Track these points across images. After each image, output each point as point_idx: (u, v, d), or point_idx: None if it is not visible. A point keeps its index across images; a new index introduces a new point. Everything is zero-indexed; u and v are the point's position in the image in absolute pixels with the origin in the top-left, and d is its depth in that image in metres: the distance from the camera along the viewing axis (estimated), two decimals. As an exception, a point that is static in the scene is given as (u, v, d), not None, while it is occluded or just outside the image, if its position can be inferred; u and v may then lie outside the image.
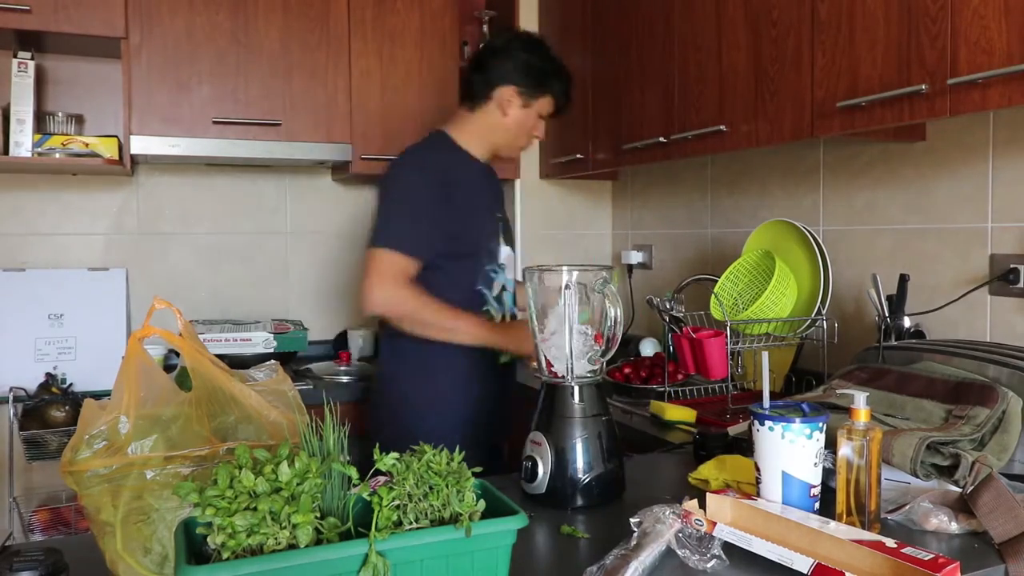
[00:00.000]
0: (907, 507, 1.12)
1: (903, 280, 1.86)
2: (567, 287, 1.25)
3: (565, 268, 1.27)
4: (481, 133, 1.93)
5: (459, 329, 1.80)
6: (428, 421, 1.84)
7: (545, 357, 1.28)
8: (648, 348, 2.61)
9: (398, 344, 1.89)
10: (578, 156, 2.73)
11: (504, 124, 1.91)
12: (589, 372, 1.27)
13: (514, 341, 1.85)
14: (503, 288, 1.95)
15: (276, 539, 0.77)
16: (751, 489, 1.13)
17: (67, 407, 2.18)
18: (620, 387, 2.21)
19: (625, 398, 2.14)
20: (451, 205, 1.82)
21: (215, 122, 2.43)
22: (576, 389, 1.26)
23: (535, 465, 1.24)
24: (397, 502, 0.82)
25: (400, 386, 1.91)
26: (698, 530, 1.01)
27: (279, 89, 2.50)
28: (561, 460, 1.23)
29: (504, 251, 1.96)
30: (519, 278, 2.11)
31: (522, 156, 3.00)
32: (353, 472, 0.84)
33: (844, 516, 1.08)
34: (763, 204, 2.42)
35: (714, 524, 1.01)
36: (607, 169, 2.66)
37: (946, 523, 1.08)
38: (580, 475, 1.23)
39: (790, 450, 1.06)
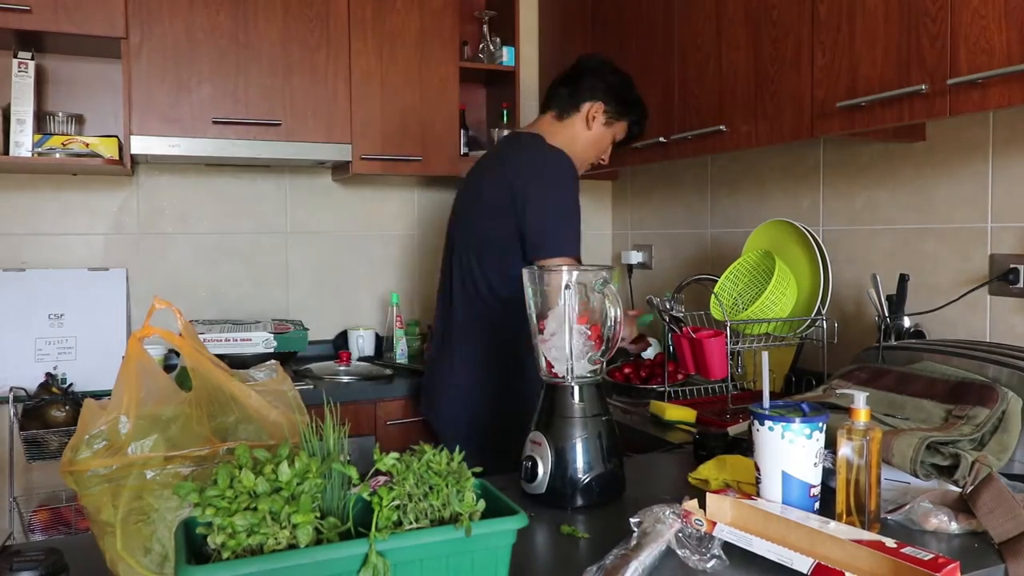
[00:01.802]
0: (907, 507, 1.12)
1: (903, 280, 1.86)
2: (567, 287, 1.25)
3: (565, 268, 1.27)
4: (564, 142, 1.98)
5: None
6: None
7: (545, 357, 1.28)
8: (648, 348, 2.60)
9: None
10: (578, 156, 2.72)
11: (585, 136, 2.01)
12: (589, 372, 1.27)
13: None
14: None
15: (276, 539, 0.77)
16: (751, 489, 1.13)
17: (67, 407, 2.18)
18: (620, 387, 2.21)
19: (625, 398, 2.15)
20: None
21: (215, 122, 2.43)
22: (576, 389, 1.26)
23: (535, 465, 1.24)
24: (397, 502, 0.82)
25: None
26: (698, 530, 1.01)
27: (279, 89, 2.50)
28: (561, 460, 1.23)
29: None
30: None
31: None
32: (353, 472, 0.83)
33: (844, 516, 1.08)
34: (763, 204, 2.42)
35: (714, 524, 1.01)
36: (607, 169, 2.65)
37: (946, 523, 1.08)
38: (580, 475, 1.23)
39: (790, 450, 1.06)
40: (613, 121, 2.03)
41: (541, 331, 1.29)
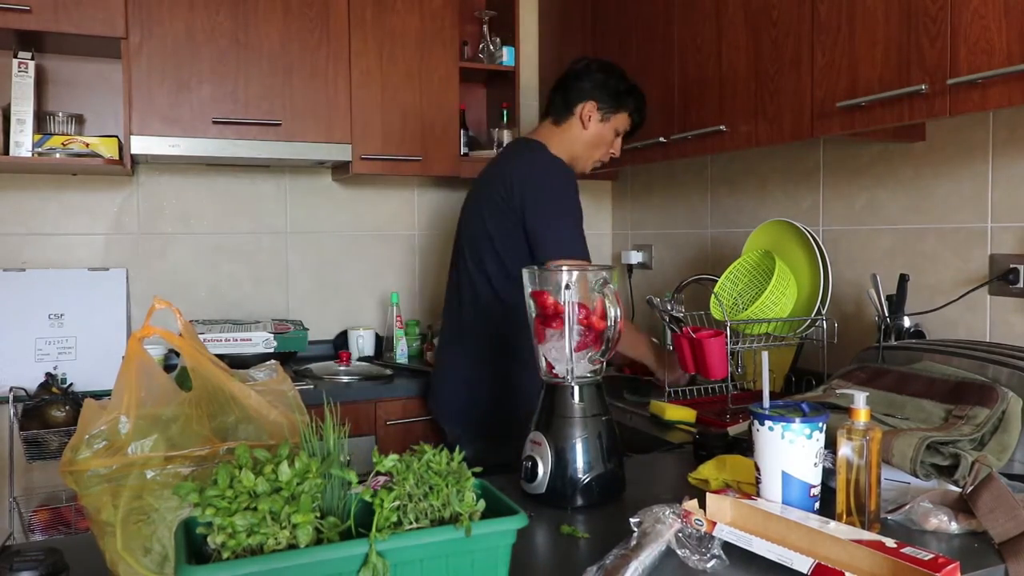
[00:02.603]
0: (907, 507, 1.12)
1: (903, 280, 1.86)
2: (567, 287, 1.25)
3: (565, 268, 1.27)
4: (565, 145, 2.05)
5: (639, 343, 2.10)
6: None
7: (545, 358, 1.28)
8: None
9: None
10: (578, 156, 2.72)
11: (584, 137, 2.07)
12: (589, 372, 1.27)
13: (667, 367, 2.07)
14: None
15: (276, 539, 0.77)
16: (751, 489, 1.13)
17: (67, 407, 2.17)
18: (629, 380, 2.24)
19: (634, 395, 2.16)
20: None
21: (215, 122, 2.43)
22: (576, 389, 1.25)
23: (535, 465, 1.24)
24: (397, 502, 0.82)
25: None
26: (698, 530, 1.01)
27: (279, 89, 2.50)
28: (561, 460, 1.23)
29: None
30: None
31: (522, 156, 3.00)
32: (353, 476, 0.83)
33: (844, 516, 1.08)
34: (763, 204, 2.42)
35: (714, 524, 1.01)
36: (607, 169, 2.65)
37: (946, 523, 1.08)
38: (580, 475, 1.23)
39: (790, 450, 1.06)
40: (609, 115, 2.07)
41: (540, 332, 1.29)
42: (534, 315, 1.30)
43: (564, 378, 1.26)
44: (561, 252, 1.89)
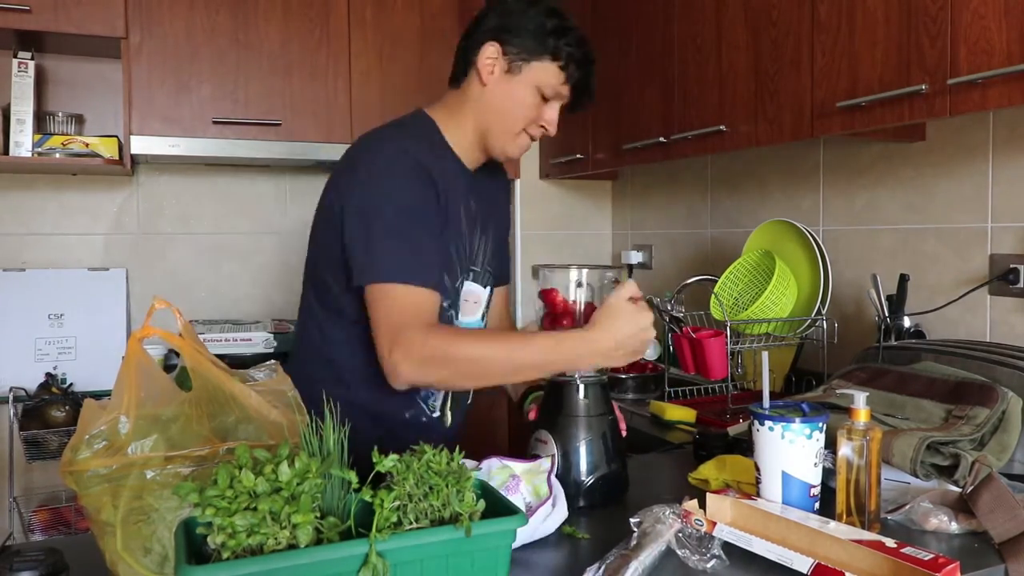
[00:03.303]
0: (907, 507, 1.12)
1: (903, 280, 1.86)
2: (579, 284, 1.25)
3: (574, 267, 1.27)
4: (465, 116, 1.40)
5: (531, 358, 1.20)
6: None
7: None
8: (648, 349, 2.60)
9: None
10: (578, 156, 2.73)
11: (485, 98, 1.36)
12: (594, 371, 1.27)
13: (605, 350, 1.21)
14: None
15: (276, 539, 0.77)
16: (751, 489, 1.13)
17: (67, 407, 2.18)
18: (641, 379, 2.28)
19: (638, 393, 2.17)
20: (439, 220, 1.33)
21: (215, 122, 2.43)
22: (581, 388, 1.25)
23: (537, 465, 1.24)
24: (397, 502, 0.82)
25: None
26: (698, 530, 1.01)
27: (279, 89, 2.50)
28: (566, 460, 1.23)
29: (470, 290, 1.43)
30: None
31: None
32: (352, 476, 0.83)
33: (844, 516, 1.08)
34: (763, 204, 2.42)
35: (714, 524, 1.01)
36: (607, 169, 2.65)
37: (946, 523, 1.08)
38: (584, 476, 1.22)
39: (790, 450, 1.06)
40: (522, 63, 1.33)
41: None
42: (542, 313, 1.29)
43: (570, 377, 1.26)
44: (374, 274, 1.27)
